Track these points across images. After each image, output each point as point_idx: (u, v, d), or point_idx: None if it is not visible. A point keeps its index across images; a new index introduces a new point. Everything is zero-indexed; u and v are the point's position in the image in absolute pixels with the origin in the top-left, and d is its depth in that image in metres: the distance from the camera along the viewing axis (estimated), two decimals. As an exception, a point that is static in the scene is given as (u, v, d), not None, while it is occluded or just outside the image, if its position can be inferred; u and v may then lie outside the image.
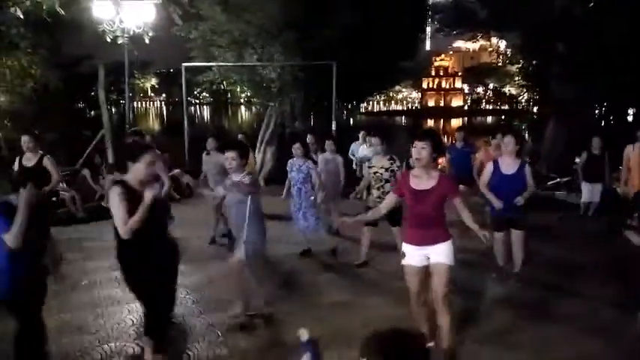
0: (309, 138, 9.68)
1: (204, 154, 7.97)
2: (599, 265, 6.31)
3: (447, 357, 3.94)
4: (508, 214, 5.51)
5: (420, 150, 3.73)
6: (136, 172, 3.58)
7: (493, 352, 4.18)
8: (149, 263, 3.64)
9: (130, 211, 3.46)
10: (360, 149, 9.91)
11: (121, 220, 3.44)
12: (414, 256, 3.98)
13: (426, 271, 4.00)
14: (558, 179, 10.14)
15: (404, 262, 4.06)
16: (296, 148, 6.73)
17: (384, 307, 5.10)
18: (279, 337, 4.49)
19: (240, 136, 9.90)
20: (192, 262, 6.44)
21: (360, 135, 10.58)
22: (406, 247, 4.02)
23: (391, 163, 6.07)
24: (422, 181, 3.83)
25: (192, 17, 13.59)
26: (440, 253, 3.89)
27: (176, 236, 4.07)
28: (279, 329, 4.64)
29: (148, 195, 3.51)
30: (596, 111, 27.60)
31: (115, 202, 3.45)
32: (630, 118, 26.92)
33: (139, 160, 3.56)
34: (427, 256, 3.95)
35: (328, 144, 8.10)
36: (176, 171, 9.40)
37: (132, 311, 4.97)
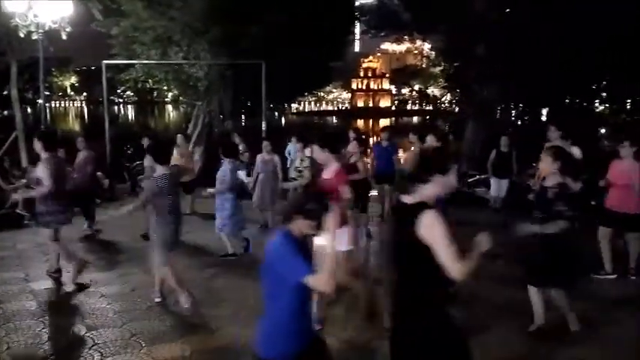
0: (236, 139, 9.82)
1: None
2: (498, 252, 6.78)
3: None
4: None
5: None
6: (444, 185, 2.70)
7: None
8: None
9: None
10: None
11: (453, 256, 2.51)
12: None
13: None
14: (478, 176, 10.65)
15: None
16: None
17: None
18: (208, 343, 4.41)
19: (179, 136, 9.74)
20: (115, 271, 6.20)
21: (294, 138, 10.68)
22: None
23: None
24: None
25: (113, 13, 13.04)
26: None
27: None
28: (207, 336, 4.55)
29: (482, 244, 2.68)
30: (513, 111, 29.34)
31: (440, 231, 2.52)
32: (544, 118, 28.82)
33: (449, 171, 2.73)
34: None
35: (265, 145, 8.16)
36: (98, 173, 9.05)
37: (47, 325, 4.70)
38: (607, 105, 27.55)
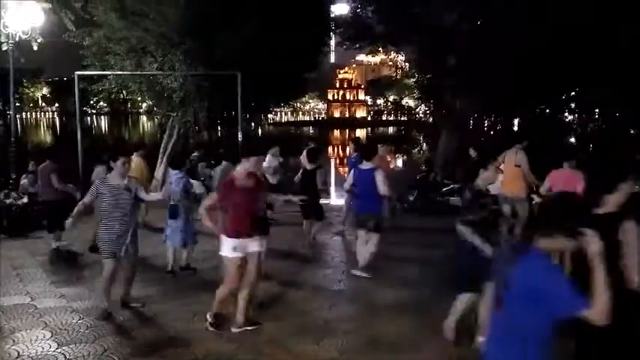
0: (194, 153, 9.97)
1: None
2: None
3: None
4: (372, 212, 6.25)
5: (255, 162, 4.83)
6: (626, 192, 2.79)
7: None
8: None
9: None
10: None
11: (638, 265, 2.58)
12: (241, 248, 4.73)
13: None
14: (452, 185, 10.81)
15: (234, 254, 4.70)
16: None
17: (288, 320, 5.14)
18: (183, 358, 4.37)
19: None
20: (86, 285, 6.09)
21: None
22: (236, 242, 4.67)
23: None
24: (245, 181, 4.71)
25: (85, 23, 12.88)
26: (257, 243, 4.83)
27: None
28: (181, 350, 4.51)
29: None
30: (486, 121, 29.95)
31: (636, 238, 2.60)
32: (515, 128, 29.48)
33: (629, 178, 2.82)
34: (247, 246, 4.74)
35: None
36: (69, 186, 8.88)
37: (17, 342, 4.59)
38: (575, 115, 28.34)
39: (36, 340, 4.61)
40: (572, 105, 25.05)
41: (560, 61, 13.67)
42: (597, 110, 24.43)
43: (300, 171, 8.21)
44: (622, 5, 12.36)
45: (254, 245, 4.80)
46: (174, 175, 6.54)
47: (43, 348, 4.47)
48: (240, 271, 4.73)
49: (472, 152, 9.41)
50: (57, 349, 4.44)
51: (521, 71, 13.67)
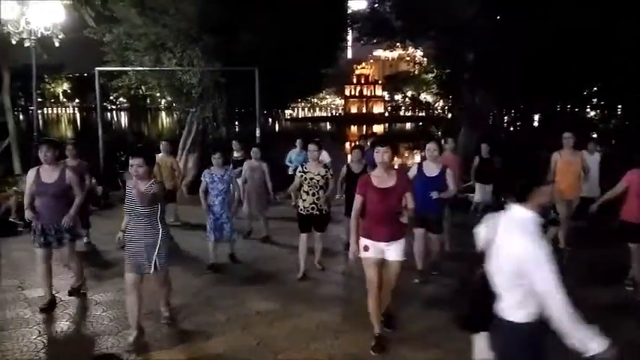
0: (234, 144, 9.98)
1: None
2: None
3: (387, 316, 4.71)
4: (426, 214, 5.73)
5: (382, 154, 4.22)
6: None
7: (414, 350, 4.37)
8: None
9: None
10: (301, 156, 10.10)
11: None
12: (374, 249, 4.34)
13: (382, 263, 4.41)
14: (470, 182, 10.68)
15: (364, 254, 4.37)
16: (217, 157, 6.66)
17: (308, 315, 5.14)
18: (204, 351, 4.41)
19: (163, 143, 9.29)
20: (109, 278, 6.17)
21: (298, 142, 10.70)
22: (367, 241, 4.34)
23: (326, 171, 6.24)
24: (383, 180, 4.28)
25: (106, 19, 13.03)
26: (395, 251, 4.35)
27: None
28: (202, 343, 4.54)
29: None
30: (505, 117, 29.56)
31: None
32: (536, 124, 29.09)
33: None
34: (384, 250, 4.34)
35: (254, 151, 8.13)
36: (92, 181, 8.98)
37: (42, 333, 4.68)
38: (598, 111, 27.83)
39: (60, 332, 4.69)
40: (594, 100, 24.60)
41: (579, 57, 13.44)
42: (620, 106, 23.94)
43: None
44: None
45: (390, 253, 4.35)
46: (219, 172, 6.60)
47: (66, 339, 4.55)
48: (375, 272, 4.32)
49: (484, 149, 9.25)
50: (81, 340, 4.51)
51: (540, 66, 13.47)
